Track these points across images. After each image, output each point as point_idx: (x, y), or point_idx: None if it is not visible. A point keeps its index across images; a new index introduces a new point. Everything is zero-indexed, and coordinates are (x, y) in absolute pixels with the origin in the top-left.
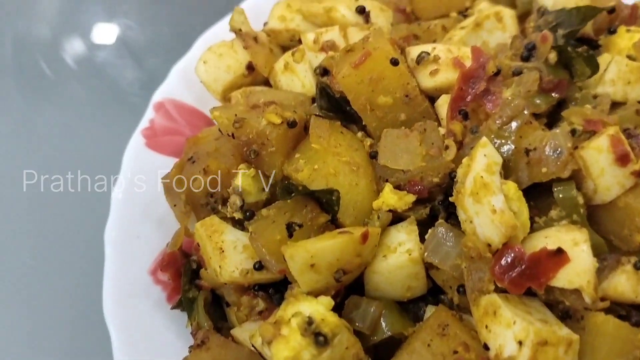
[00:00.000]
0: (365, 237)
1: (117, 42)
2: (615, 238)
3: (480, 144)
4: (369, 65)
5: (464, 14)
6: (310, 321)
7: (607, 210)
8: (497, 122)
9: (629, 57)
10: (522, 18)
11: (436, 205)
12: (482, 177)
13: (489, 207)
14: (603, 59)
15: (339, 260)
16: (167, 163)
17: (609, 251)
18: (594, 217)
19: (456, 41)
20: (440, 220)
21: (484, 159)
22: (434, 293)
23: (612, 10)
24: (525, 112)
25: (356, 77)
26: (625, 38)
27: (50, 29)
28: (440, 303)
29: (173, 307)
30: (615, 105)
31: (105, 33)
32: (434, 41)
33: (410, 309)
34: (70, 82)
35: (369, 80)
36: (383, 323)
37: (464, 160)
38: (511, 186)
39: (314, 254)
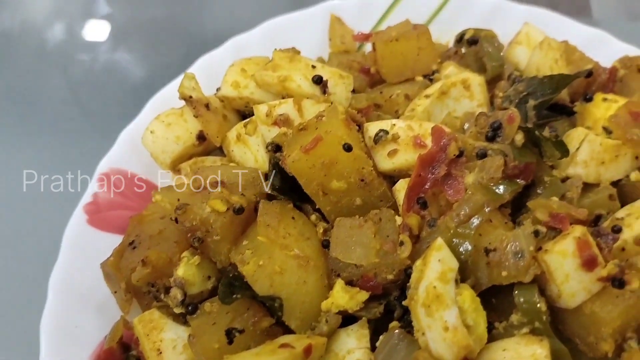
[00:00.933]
0: (308, 351)
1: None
2: (580, 342)
3: (434, 246)
4: (320, 150)
5: (430, 77)
6: None
7: (572, 314)
8: (455, 219)
9: (605, 129)
10: (492, 82)
11: (392, 301)
12: (435, 287)
13: (441, 322)
14: (577, 135)
15: None
16: (112, 241)
17: (573, 357)
18: (560, 318)
19: (420, 112)
20: (393, 323)
21: (437, 266)
22: None
23: (589, 74)
24: (486, 209)
25: (307, 162)
26: (602, 108)
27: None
28: None
29: None
30: (588, 186)
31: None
32: (396, 112)
33: None
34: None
35: (320, 165)
36: None
37: (417, 264)
38: (467, 297)
39: None
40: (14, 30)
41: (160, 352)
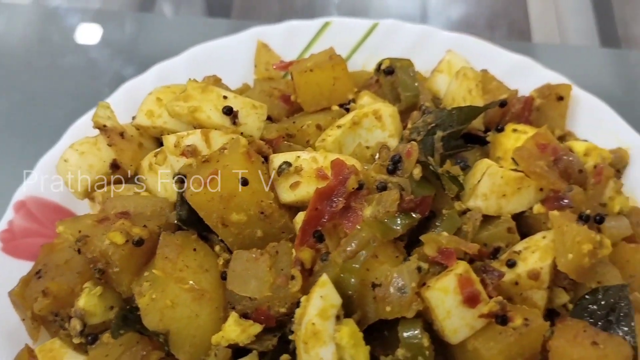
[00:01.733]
0: None
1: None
2: None
3: (318, 283)
4: (217, 184)
5: (346, 107)
6: None
7: (458, 349)
8: (342, 255)
9: (514, 160)
10: (407, 112)
11: (287, 332)
12: (314, 323)
13: (317, 359)
14: (480, 167)
15: None
16: (26, 269)
17: None
18: (451, 352)
19: (330, 142)
20: (284, 356)
21: (319, 302)
22: None
23: (502, 104)
24: (373, 244)
25: (205, 195)
26: (512, 138)
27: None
28: None
29: None
30: (488, 218)
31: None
32: (308, 142)
33: None
34: None
35: (219, 198)
36: None
37: (302, 300)
38: (345, 333)
39: None
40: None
41: None
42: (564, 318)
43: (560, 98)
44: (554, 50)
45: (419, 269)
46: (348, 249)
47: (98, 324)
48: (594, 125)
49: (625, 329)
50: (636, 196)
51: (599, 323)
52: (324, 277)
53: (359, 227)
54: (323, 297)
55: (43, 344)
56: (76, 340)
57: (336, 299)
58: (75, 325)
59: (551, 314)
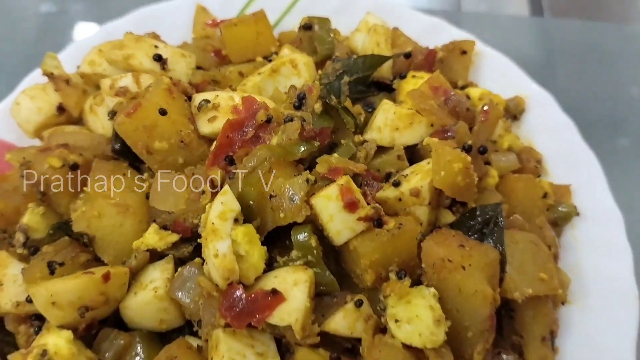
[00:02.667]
0: (106, 277)
1: None
2: (353, 276)
3: (221, 192)
4: (140, 114)
5: (269, 59)
6: (44, 353)
7: (344, 250)
8: (243, 171)
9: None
10: (323, 63)
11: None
12: (213, 223)
13: (213, 251)
14: (379, 106)
15: (80, 299)
16: None
17: (345, 288)
18: (339, 254)
19: (250, 87)
20: (197, 259)
21: (219, 207)
22: (192, 324)
23: (407, 55)
24: (267, 162)
25: (130, 124)
26: (411, 83)
27: None
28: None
29: None
30: (384, 149)
31: None
32: (230, 87)
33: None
34: None
35: (143, 128)
36: (135, 352)
37: (207, 206)
38: (240, 232)
39: (54, 292)
40: None
41: (1, 284)
42: (441, 229)
43: (464, 52)
44: (479, 18)
45: (307, 180)
46: (249, 164)
47: (40, 239)
48: (497, 76)
49: (496, 238)
50: (531, 139)
51: (475, 235)
52: (226, 187)
53: (258, 148)
54: (223, 203)
55: None
56: (19, 251)
57: (235, 205)
58: (19, 237)
59: None
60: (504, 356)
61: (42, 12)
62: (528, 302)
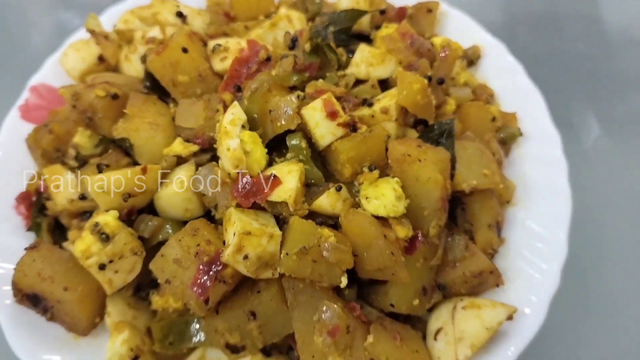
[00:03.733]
0: (144, 170)
1: None
2: (336, 173)
3: (231, 106)
4: (167, 53)
5: (269, 17)
6: (96, 224)
7: (328, 153)
8: (248, 91)
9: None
10: (313, 19)
11: (217, 153)
12: (225, 127)
13: (226, 146)
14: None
15: (125, 186)
16: None
17: (326, 181)
18: (324, 158)
19: (254, 36)
20: (212, 163)
21: (230, 116)
22: (209, 214)
23: (383, 12)
24: (265, 84)
25: (159, 61)
26: (384, 32)
27: None
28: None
29: (27, 230)
30: (362, 82)
31: None
32: (237, 37)
33: None
34: None
35: (169, 64)
36: (165, 230)
37: (220, 117)
38: (246, 134)
39: (105, 180)
40: None
41: (59, 187)
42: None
43: (430, 10)
44: None
45: (298, 97)
46: (252, 86)
47: (87, 156)
48: (458, 32)
49: (447, 143)
50: (486, 79)
51: (432, 143)
52: (235, 102)
53: (260, 74)
54: (233, 113)
55: (49, 167)
56: (71, 163)
57: (242, 115)
58: (71, 152)
59: None
60: (457, 237)
61: None
62: (476, 196)
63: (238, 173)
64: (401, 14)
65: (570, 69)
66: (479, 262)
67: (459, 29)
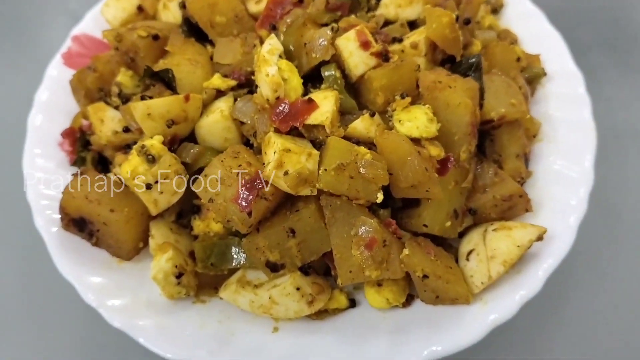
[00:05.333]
0: (187, 97)
1: None
2: (369, 103)
3: (268, 37)
4: None
5: None
6: (143, 146)
7: (361, 83)
8: (284, 26)
9: None
10: None
11: (254, 89)
12: (264, 56)
13: (265, 73)
14: None
15: (169, 112)
16: None
17: (359, 109)
18: (357, 90)
19: None
20: (249, 94)
21: (268, 46)
22: (248, 145)
23: None
24: (300, 18)
25: (198, 3)
26: None
27: None
28: None
29: (72, 164)
30: (389, 23)
31: None
32: None
33: None
34: None
35: (207, 6)
36: (206, 157)
37: (258, 49)
38: (283, 62)
39: (149, 106)
40: None
41: (102, 121)
42: None
43: None
44: None
45: (332, 28)
46: (288, 20)
47: (129, 94)
48: None
49: (476, 75)
50: (508, 26)
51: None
52: (272, 35)
53: (294, 10)
54: (270, 44)
55: (93, 104)
56: (114, 100)
57: (279, 45)
58: (114, 89)
59: None
60: (486, 165)
61: None
62: (504, 127)
63: (276, 98)
64: None
65: (589, 20)
66: (509, 187)
67: None
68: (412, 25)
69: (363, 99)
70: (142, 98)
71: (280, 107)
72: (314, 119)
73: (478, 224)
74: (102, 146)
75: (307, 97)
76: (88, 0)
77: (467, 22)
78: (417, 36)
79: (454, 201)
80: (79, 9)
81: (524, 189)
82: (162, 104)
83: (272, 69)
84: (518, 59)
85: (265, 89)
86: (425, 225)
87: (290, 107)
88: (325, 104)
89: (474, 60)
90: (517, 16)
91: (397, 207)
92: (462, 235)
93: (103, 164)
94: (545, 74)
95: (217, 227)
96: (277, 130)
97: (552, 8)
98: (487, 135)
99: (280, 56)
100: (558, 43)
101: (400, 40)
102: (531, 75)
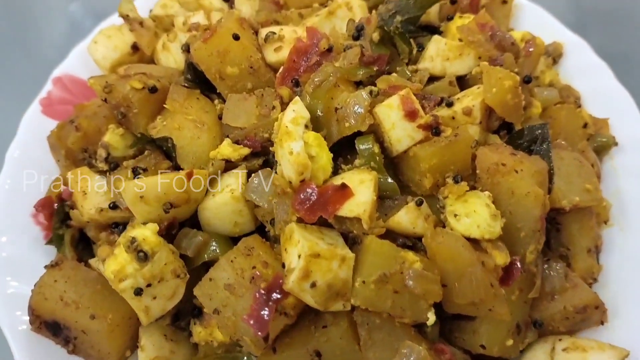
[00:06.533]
0: (190, 175)
1: None
2: (412, 184)
3: (292, 102)
4: (215, 40)
5: (325, 5)
6: (133, 240)
7: (403, 160)
8: (311, 85)
9: (460, 40)
10: (375, 7)
11: (271, 158)
12: (287, 126)
13: (288, 150)
14: (430, 40)
15: (166, 194)
16: None
17: (402, 194)
18: (397, 167)
19: (309, 26)
20: (267, 169)
21: (292, 113)
22: (262, 231)
23: (454, 1)
24: (332, 77)
25: (206, 50)
26: (458, 23)
27: None
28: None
29: (47, 243)
30: (436, 78)
31: None
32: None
33: None
34: None
35: (217, 53)
36: (212, 248)
37: (279, 115)
38: (311, 135)
39: (143, 187)
40: None
41: (85, 193)
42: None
43: (504, 2)
44: None
45: (371, 92)
46: (316, 79)
47: (119, 158)
48: (534, 26)
49: (543, 152)
50: (569, 81)
51: (524, 151)
52: (296, 98)
53: (324, 65)
54: (295, 110)
55: (74, 169)
56: (101, 166)
57: (305, 113)
58: (101, 152)
59: None
60: (554, 264)
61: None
62: (574, 215)
63: (301, 182)
64: (474, 4)
65: None
66: (583, 295)
67: (535, 23)
68: (460, 81)
69: (405, 177)
70: (134, 171)
71: (305, 193)
72: (348, 210)
73: (543, 336)
74: (83, 223)
75: (339, 183)
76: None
77: (528, 80)
78: (470, 100)
79: (518, 314)
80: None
81: (599, 297)
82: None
83: (297, 145)
84: (585, 125)
85: (288, 170)
86: (483, 346)
87: (318, 194)
88: (363, 191)
89: (539, 131)
90: (579, 69)
91: (446, 316)
92: (523, 350)
93: (85, 243)
94: (616, 144)
95: (222, 337)
96: (301, 220)
97: (607, 54)
98: (553, 222)
99: (306, 126)
100: (627, 105)
101: (450, 104)
102: (599, 145)
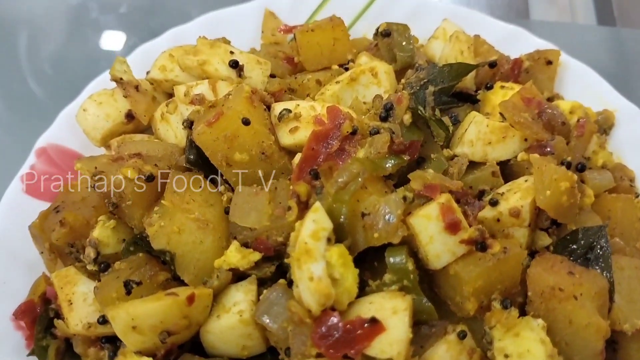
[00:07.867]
0: (191, 299)
1: None
2: (451, 303)
3: (311, 209)
4: (222, 124)
5: (345, 66)
6: None
7: (441, 276)
8: (334, 186)
9: (501, 114)
10: (403, 72)
11: (285, 263)
12: (306, 243)
13: (308, 274)
14: (468, 118)
15: (163, 322)
16: (46, 208)
17: (440, 317)
18: (433, 279)
19: (329, 96)
20: (281, 280)
21: (312, 225)
22: (274, 352)
23: (492, 65)
24: (360, 177)
25: (211, 134)
26: (499, 95)
27: None
28: None
29: (29, 354)
30: (475, 165)
31: None
32: (308, 95)
33: None
34: None
35: (224, 138)
36: None
37: (297, 225)
38: (334, 253)
39: (135, 316)
40: None
41: (71, 303)
42: (543, 252)
43: (549, 62)
44: (550, 27)
45: (405, 198)
46: (339, 179)
47: (110, 255)
48: (582, 89)
49: (602, 264)
50: (621, 155)
51: (578, 260)
52: (317, 204)
53: (350, 162)
54: (315, 221)
55: (59, 271)
56: (90, 267)
57: (327, 223)
58: (90, 252)
59: (534, 256)
60: None
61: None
62: (635, 335)
63: (322, 310)
64: (516, 68)
65: None
66: None
67: (581, 86)
68: (503, 167)
69: (442, 292)
70: (126, 286)
71: (328, 324)
72: (379, 350)
73: None
74: (70, 335)
75: (369, 317)
76: None
77: (582, 169)
78: (518, 199)
79: None
80: None
81: None
82: (155, 312)
83: (319, 268)
84: None
85: (307, 297)
86: None
87: (344, 329)
88: (396, 325)
89: (594, 238)
90: (632, 142)
91: None
92: None
93: (71, 353)
94: None
95: None
96: (321, 355)
97: None
98: (608, 341)
99: (328, 239)
100: None
101: (494, 203)
102: None
